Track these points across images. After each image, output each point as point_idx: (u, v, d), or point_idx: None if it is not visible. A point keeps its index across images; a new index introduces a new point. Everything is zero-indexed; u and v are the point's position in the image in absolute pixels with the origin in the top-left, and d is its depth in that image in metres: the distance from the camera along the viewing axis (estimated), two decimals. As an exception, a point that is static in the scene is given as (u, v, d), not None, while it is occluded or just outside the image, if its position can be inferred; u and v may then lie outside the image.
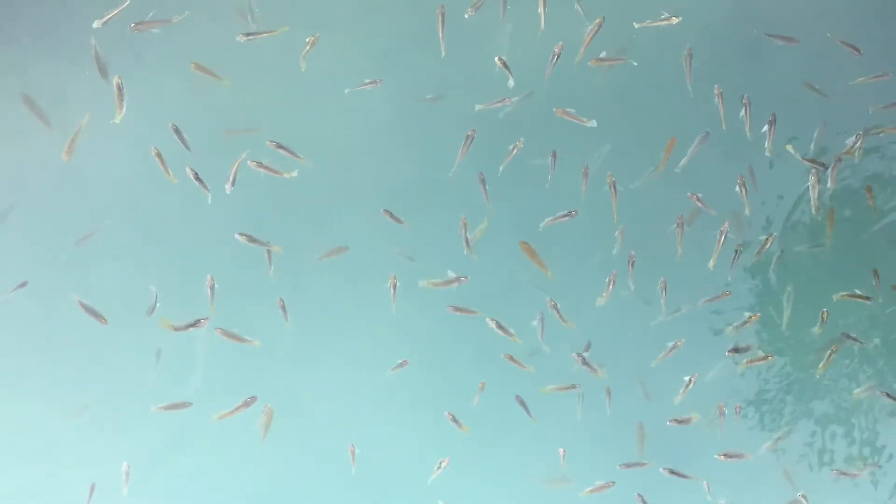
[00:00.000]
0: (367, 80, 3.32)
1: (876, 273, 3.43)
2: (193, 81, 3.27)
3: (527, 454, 3.43)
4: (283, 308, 3.30)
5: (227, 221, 3.28)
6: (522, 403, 3.37)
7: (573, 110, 3.34)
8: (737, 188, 3.38)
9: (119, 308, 3.24)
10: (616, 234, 3.38)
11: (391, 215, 3.34)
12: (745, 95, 3.36)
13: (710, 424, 3.41)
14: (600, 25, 3.28)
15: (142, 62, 3.27)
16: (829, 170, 3.39)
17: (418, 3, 3.38)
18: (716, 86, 3.35)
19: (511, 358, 3.35)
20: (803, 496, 3.42)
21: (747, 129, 3.38)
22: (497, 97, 3.36)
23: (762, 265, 3.48)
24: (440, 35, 3.31)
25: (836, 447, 3.51)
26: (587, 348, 3.39)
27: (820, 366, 3.46)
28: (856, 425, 3.51)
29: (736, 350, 3.42)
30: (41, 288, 3.23)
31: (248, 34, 3.25)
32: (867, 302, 3.42)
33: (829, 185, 3.42)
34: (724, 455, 3.35)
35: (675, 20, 3.31)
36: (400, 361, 3.35)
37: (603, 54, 3.32)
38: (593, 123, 3.35)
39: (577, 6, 3.32)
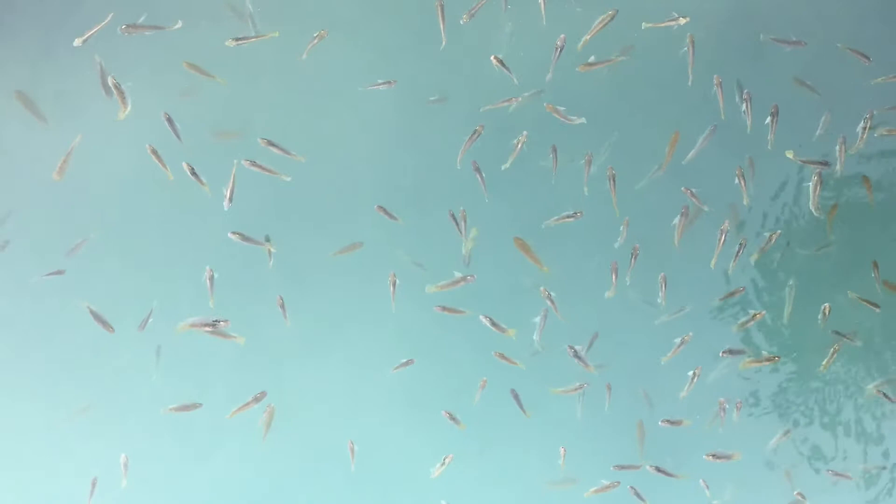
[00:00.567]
0: (380, 81, 3.33)
1: (875, 265, 3.41)
2: (194, 82, 3.28)
3: (529, 453, 3.42)
4: (283, 306, 3.30)
5: (227, 220, 3.28)
6: (516, 398, 3.36)
7: (563, 108, 3.33)
8: (736, 180, 3.36)
9: (119, 308, 3.26)
10: (621, 227, 3.37)
11: (385, 211, 3.34)
12: (746, 91, 3.35)
13: (712, 422, 3.39)
14: (612, 17, 3.28)
15: (142, 62, 3.28)
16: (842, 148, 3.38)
17: (419, 3, 3.38)
18: (715, 76, 3.34)
19: (502, 356, 3.34)
20: (800, 494, 3.39)
21: (748, 124, 3.37)
22: (498, 96, 3.36)
23: (765, 262, 3.46)
24: (441, 26, 3.31)
25: (839, 447, 3.49)
26: (594, 340, 3.38)
27: (823, 363, 3.43)
28: (860, 425, 3.49)
29: (730, 352, 3.39)
30: (41, 289, 3.25)
31: (238, 39, 3.25)
32: (877, 309, 3.41)
33: (837, 167, 3.41)
34: (713, 456, 3.34)
35: (682, 21, 3.31)
36: (403, 361, 3.35)
37: (591, 59, 3.33)
38: (582, 121, 3.34)
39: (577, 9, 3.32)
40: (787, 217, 3.47)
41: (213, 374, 3.31)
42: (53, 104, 3.25)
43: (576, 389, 3.37)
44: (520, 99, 3.35)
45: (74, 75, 3.24)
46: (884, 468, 3.47)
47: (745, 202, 3.40)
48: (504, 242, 3.40)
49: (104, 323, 3.21)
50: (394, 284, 3.33)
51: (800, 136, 3.43)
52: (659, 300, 3.38)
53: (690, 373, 3.35)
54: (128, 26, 3.19)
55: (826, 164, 3.40)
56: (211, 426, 3.28)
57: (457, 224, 3.35)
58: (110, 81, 3.16)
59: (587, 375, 3.38)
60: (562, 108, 3.33)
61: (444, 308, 3.34)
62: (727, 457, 3.35)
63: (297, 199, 3.37)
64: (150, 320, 3.23)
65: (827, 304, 3.40)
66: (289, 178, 3.30)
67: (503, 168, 3.37)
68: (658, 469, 3.35)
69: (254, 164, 3.25)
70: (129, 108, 3.18)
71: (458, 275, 3.35)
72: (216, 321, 3.18)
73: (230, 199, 3.23)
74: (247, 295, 3.32)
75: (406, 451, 3.39)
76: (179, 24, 3.22)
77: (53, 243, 3.24)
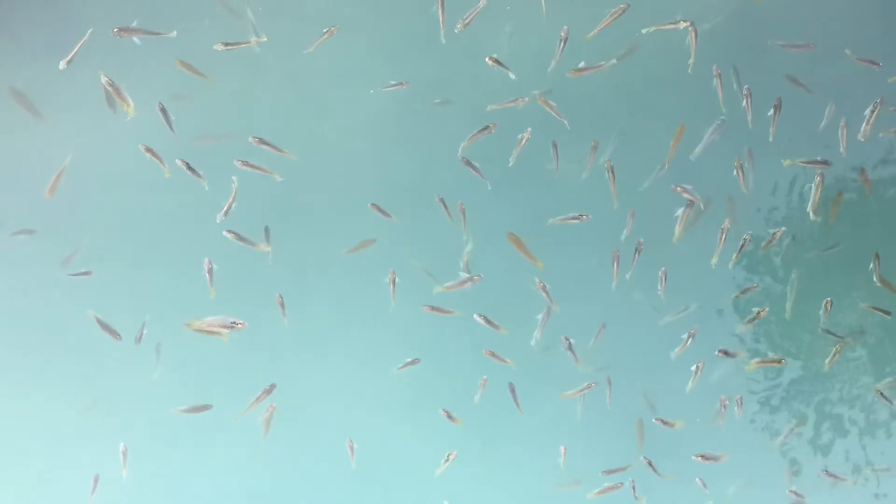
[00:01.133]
0: (393, 82, 3.34)
1: (877, 256, 3.38)
2: (194, 83, 3.29)
3: (530, 452, 3.42)
4: (282, 304, 3.31)
5: (228, 220, 3.28)
6: (513, 392, 3.36)
7: (555, 104, 3.32)
8: (734, 172, 3.34)
9: (120, 307, 3.27)
10: (625, 220, 3.36)
11: (378, 209, 3.34)
12: (746, 87, 3.33)
13: (714, 420, 3.39)
14: (623, 11, 3.27)
15: (142, 63, 3.28)
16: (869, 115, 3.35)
17: (420, 4, 3.37)
18: (714, 67, 3.32)
19: (493, 354, 3.34)
20: (793, 492, 3.39)
21: (749, 119, 3.35)
22: (501, 95, 3.35)
23: (768, 259, 3.44)
24: (441, 24, 3.31)
25: (840, 447, 3.47)
26: (601, 331, 3.37)
27: (826, 361, 3.42)
28: (862, 425, 3.48)
29: (726, 352, 3.38)
30: (42, 288, 3.27)
31: (227, 44, 3.24)
32: (888, 316, 3.39)
33: (840, 150, 3.38)
34: (702, 457, 3.33)
35: (682, 24, 3.29)
36: (408, 360, 3.35)
37: (581, 64, 3.32)
38: (565, 122, 3.34)
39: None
40: (790, 213, 3.44)
41: (214, 374, 3.33)
42: (52, 104, 3.26)
43: (583, 390, 3.36)
44: (527, 99, 3.34)
45: (73, 75, 3.24)
46: (887, 470, 3.45)
47: (742, 190, 3.38)
48: (506, 241, 3.41)
49: (111, 331, 3.22)
50: (393, 282, 3.33)
51: (802, 131, 3.41)
52: (658, 293, 3.38)
53: (693, 367, 3.34)
54: (120, 30, 3.18)
55: (827, 163, 3.37)
56: (212, 425, 3.29)
57: (446, 209, 3.34)
58: (103, 80, 3.15)
59: (591, 376, 3.38)
60: (553, 104, 3.32)
61: (432, 308, 3.33)
62: (715, 458, 3.34)
63: (298, 198, 3.38)
64: (145, 331, 3.25)
65: (829, 299, 3.38)
66: (280, 179, 3.30)
67: (509, 164, 3.36)
68: (650, 464, 3.34)
69: (246, 163, 3.24)
70: (132, 104, 3.18)
71: (464, 275, 3.34)
72: (234, 323, 3.18)
73: (225, 213, 3.23)
74: (247, 294, 3.33)
75: (407, 449, 3.39)
76: (174, 33, 3.22)
77: (54, 244, 3.26)
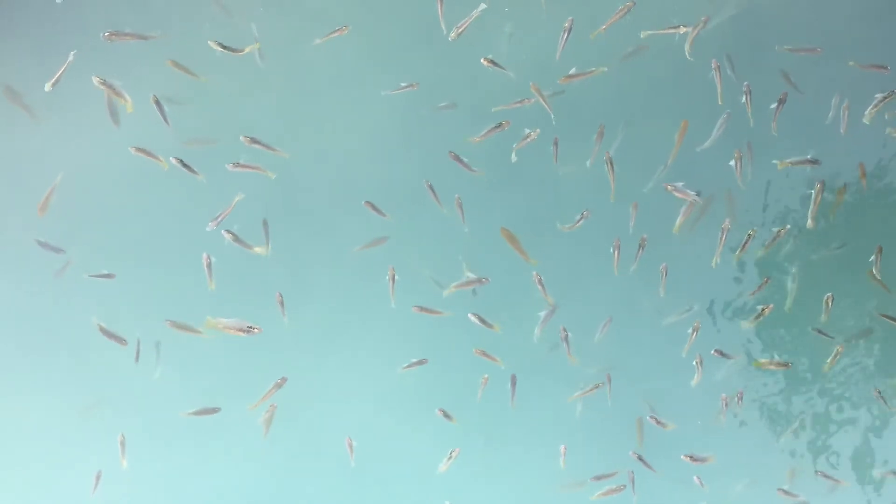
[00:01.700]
0: (403, 84, 3.34)
1: (879, 250, 3.35)
2: (193, 85, 3.29)
3: (531, 451, 3.43)
4: (282, 303, 3.31)
5: (228, 220, 3.27)
6: (514, 385, 3.36)
7: (546, 93, 3.32)
8: (731, 162, 3.32)
9: (120, 308, 3.29)
10: (629, 209, 3.36)
11: (373, 207, 3.34)
12: (746, 84, 3.30)
13: (717, 419, 3.39)
14: (629, 9, 3.25)
15: (142, 65, 3.29)
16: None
17: (421, 5, 3.35)
18: (713, 60, 3.29)
19: (483, 353, 3.34)
20: (783, 491, 3.39)
21: (749, 114, 3.32)
22: (497, 95, 3.34)
23: (772, 256, 3.43)
24: (440, 13, 3.29)
25: (840, 447, 3.47)
26: (607, 325, 3.37)
27: (827, 361, 3.40)
28: (862, 426, 3.48)
29: (722, 353, 3.37)
30: (42, 288, 3.29)
31: (224, 47, 3.23)
32: None
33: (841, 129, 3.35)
34: (690, 458, 3.33)
35: (682, 29, 3.28)
36: (415, 360, 3.35)
37: (573, 70, 3.31)
38: (552, 116, 3.34)
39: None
40: (793, 210, 3.44)
41: (214, 374, 3.35)
42: (50, 103, 3.27)
43: (590, 391, 3.37)
44: (532, 100, 3.33)
45: (74, 75, 3.23)
46: (893, 473, 3.46)
47: (739, 184, 3.35)
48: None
49: (116, 338, 3.23)
50: (393, 279, 3.33)
51: (802, 131, 3.39)
52: (660, 292, 3.37)
53: (694, 362, 3.32)
54: (111, 33, 3.17)
55: (816, 162, 3.34)
56: (212, 423, 3.30)
57: (435, 195, 3.34)
58: (95, 81, 3.14)
59: (596, 376, 3.38)
60: (545, 93, 3.31)
61: (421, 308, 3.33)
62: (703, 459, 3.33)
63: (298, 198, 3.39)
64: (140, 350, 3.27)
65: (829, 294, 3.37)
66: (274, 176, 3.29)
67: (512, 160, 3.36)
68: (639, 458, 3.35)
69: (237, 165, 3.24)
70: (129, 100, 3.17)
71: (471, 276, 3.34)
72: (250, 327, 3.18)
73: (218, 223, 3.23)
74: (247, 293, 3.34)
75: (408, 448, 3.40)
76: (163, 36, 3.23)
77: (56, 242, 3.28)
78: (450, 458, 3.32)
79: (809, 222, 3.36)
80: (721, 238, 3.32)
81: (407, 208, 3.38)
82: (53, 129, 3.30)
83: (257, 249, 3.29)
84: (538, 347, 3.39)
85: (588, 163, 3.36)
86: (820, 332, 3.38)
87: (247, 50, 3.27)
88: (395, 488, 3.40)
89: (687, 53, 3.30)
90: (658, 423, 3.34)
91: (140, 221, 3.34)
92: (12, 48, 3.31)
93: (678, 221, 3.34)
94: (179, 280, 3.31)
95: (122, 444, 3.24)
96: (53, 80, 3.14)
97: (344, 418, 3.38)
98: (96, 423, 3.29)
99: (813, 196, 3.33)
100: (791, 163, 3.33)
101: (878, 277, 3.35)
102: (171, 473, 3.34)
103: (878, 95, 3.29)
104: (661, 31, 3.31)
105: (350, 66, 3.41)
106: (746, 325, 3.43)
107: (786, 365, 3.39)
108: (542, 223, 3.42)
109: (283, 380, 3.26)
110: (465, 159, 3.35)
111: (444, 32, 3.29)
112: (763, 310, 3.37)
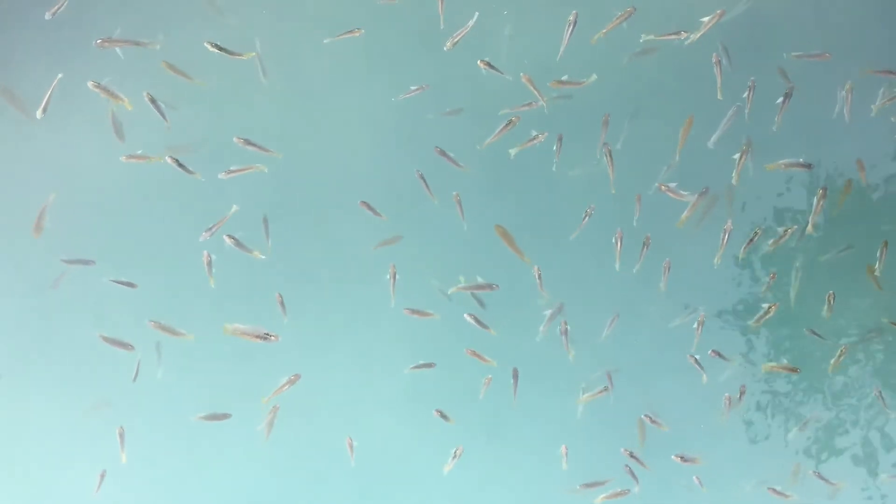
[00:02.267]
0: (413, 87, 3.34)
1: (885, 245, 3.31)
2: (193, 88, 3.31)
3: (531, 451, 3.42)
4: (282, 304, 3.33)
5: (229, 220, 3.30)
6: (515, 378, 3.34)
7: (551, 97, 3.32)
8: (735, 155, 3.29)
9: (120, 308, 3.32)
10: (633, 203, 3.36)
11: (369, 207, 3.34)
12: (752, 79, 3.28)
13: (722, 416, 3.36)
14: (630, 14, 3.24)
15: (142, 66, 3.30)
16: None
17: (422, 6, 3.37)
18: (714, 54, 3.27)
19: (474, 353, 3.33)
20: (773, 490, 3.34)
21: (747, 111, 3.30)
22: (498, 95, 3.34)
23: (775, 255, 3.40)
24: (440, 8, 3.30)
25: (841, 448, 3.43)
26: (614, 321, 3.36)
27: (831, 362, 3.37)
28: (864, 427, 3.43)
29: (719, 354, 3.33)
30: (44, 288, 3.33)
31: (221, 49, 3.24)
32: None
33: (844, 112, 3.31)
34: (680, 458, 3.30)
35: (683, 34, 3.26)
36: (422, 362, 3.36)
37: (565, 77, 3.30)
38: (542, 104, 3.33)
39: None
40: (798, 211, 3.40)
41: (214, 374, 3.36)
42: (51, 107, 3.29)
43: (599, 393, 3.36)
44: (539, 103, 3.32)
45: (73, 77, 3.28)
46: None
47: (734, 181, 3.32)
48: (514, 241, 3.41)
49: (121, 344, 3.25)
50: (393, 277, 3.33)
51: (802, 131, 3.36)
52: (661, 286, 3.36)
53: (693, 359, 3.31)
54: (103, 40, 3.19)
55: (809, 165, 3.29)
56: (213, 424, 3.32)
57: (426, 184, 3.34)
58: (90, 85, 3.16)
59: (602, 379, 3.38)
60: (534, 88, 3.31)
61: (412, 311, 3.33)
62: (692, 460, 3.31)
63: (298, 198, 3.40)
64: (139, 370, 3.28)
65: (831, 292, 3.32)
66: (266, 169, 3.30)
67: (511, 156, 3.35)
68: (632, 455, 3.32)
69: (230, 171, 3.25)
70: (126, 98, 3.18)
71: (480, 280, 3.34)
72: (267, 334, 3.20)
73: (211, 234, 3.24)
74: (247, 293, 3.36)
75: (408, 448, 3.40)
76: (158, 45, 3.25)
77: (55, 244, 3.31)
78: (455, 457, 3.31)
79: (809, 228, 3.33)
80: (723, 238, 3.29)
81: (407, 208, 3.39)
82: (52, 132, 3.32)
83: (257, 254, 3.30)
84: (539, 347, 3.38)
85: (597, 153, 3.34)
86: (813, 332, 3.34)
87: (245, 56, 3.28)
88: (395, 488, 3.40)
89: (686, 39, 3.27)
90: (653, 422, 3.32)
91: (140, 223, 3.36)
92: (14, 52, 3.36)
93: (683, 216, 3.32)
94: (180, 280, 3.33)
95: (122, 436, 3.24)
96: (42, 105, 3.16)
97: (344, 418, 3.39)
98: (99, 423, 3.31)
99: (815, 202, 3.30)
100: (783, 165, 3.28)
101: (877, 275, 3.30)
102: (173, 473, 3.36)
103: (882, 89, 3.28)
104: (661, 37, 3.30)
105: (350, 65, 3.41)
106: (753, 325, 3.39)
107: (794, 370, 3.34)
108: (544, 222, 3.41)
109: (297, 376, 3.26)
110: (466, 160, 3.34)
111: (443, 29, 3.30)
112: (769, 308, 3.33)
